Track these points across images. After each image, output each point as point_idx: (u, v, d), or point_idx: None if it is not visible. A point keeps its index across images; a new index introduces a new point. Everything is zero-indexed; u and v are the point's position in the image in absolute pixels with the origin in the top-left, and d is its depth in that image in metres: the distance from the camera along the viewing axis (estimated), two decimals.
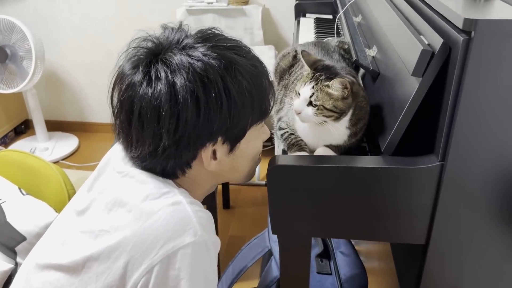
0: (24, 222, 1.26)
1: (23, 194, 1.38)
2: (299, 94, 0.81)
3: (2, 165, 1.46)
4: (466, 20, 0.59)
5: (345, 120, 0.80)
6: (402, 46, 0.77)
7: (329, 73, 0.80)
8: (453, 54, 0.63)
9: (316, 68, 0.82)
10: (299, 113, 0.80)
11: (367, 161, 0.73)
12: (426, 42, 0.68)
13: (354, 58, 0.94)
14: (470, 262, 0.75)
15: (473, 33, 0.59)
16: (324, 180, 0.72)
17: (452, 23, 0.64)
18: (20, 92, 2.67)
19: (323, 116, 0.78)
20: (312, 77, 0.80)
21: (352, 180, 0.72)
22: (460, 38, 0.60)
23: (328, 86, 0.78)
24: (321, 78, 0.79)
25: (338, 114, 0.78)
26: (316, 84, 0.79)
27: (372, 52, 0.99)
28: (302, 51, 0.87)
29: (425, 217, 0.73)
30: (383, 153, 0.73)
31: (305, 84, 0.81)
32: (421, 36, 0.71)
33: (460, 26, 0.60)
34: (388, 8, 0.94)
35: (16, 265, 1.27)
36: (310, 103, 0.79)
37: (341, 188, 0.73)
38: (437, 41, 0.65)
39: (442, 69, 0.66)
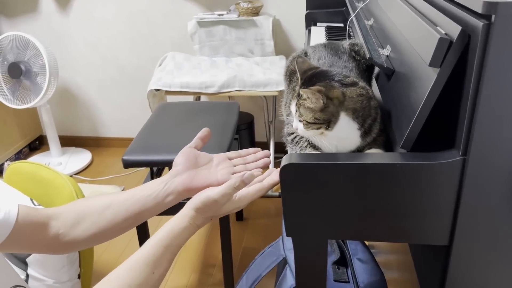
0: None
1: (35, 205, 1.37)
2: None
3: (15, 177, 1.46)
4: (485, 4, 0.56)
5: (349, 122, 0.76)
6: (418, 39, 0.74)
7: (310, 85, 0.76)
8: (473, 42, 0.60)
9: (304, 79, 0.80)
10: (297, 129, 0.80)
11: (384, 157, 0.70)
12: (443, 32, 0.65)
13: (368, 56, 0.92)
14: (497, 264, 0.71)
15: (493, 17, 0.56)
16: (339, 178, 0.69)
17: (469, 9, 0.62)
18: (35, 108, 2.71)
19: (312, 129, 0.77)
20: (298, 94, 0.79)
21: (368, 178, 0.69)
22: (480, 23, 0.57)
23: (305, 99, 0.76)
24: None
25: (325, 124, 0.76)
26: (298, 100, 0.78)
27: (386, 51, 0.97)
28: (298, 57, 0.85)
29: (447, 215, 0.69)
30: (401, 149, 0.70)
31: (293, 101, 0.80)
32: (437, 27, 0.68)
33: (479, 10, 0.57)
34: (400, 5, 0.91)
35: (27, 276, 1.25)
36: (300, 120, 0.79)
37: (357, 186, 0.70)
38: (455, 29, 0.62)
39: (461, 59, 0.63)
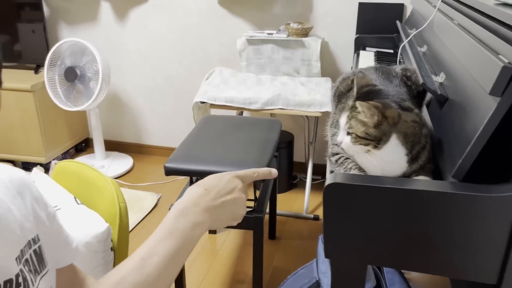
0: (74, 230, 1.28)
1: (78, 204, 1.41)
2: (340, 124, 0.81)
3: (62, 175, 1.51)
4: None
5: (398, 145, 0.76)
6: (478, 67, 0.72)
7: (367, 101, 0.76)
8: None
9: (360, 94, 0.80)
10: (341, 143, 0.80)
11: (435, 185, 0.67)
12: (506, 60, 0.63)
13: (421, 82, 0.90)
14: None
15: None
16: (385, 202, 0.68)
17: None
18: (84, 111, 2.82)
19: (360, 144, 0.76)
20: (352, 106, 0.79)
21: (416, 205, 0.67)
22: None
23: (358, 112, 0.76)
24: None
25: (375, 142, 0.75)
26: (350, 113, 0.78)
27: (439, 78, 0.95)
28: (359, 72, 0.86)
29: (498, 252, 0.65)
30: (452, 178, 0.67)
31: (344, 113, 0.81)
32: (499, 55, 0.66)
33: None
34: (459, 32, 0.89)
35: None
36: (348, 132, 0.79)
37: (403, 212, 0.68)
38: None
39: None
